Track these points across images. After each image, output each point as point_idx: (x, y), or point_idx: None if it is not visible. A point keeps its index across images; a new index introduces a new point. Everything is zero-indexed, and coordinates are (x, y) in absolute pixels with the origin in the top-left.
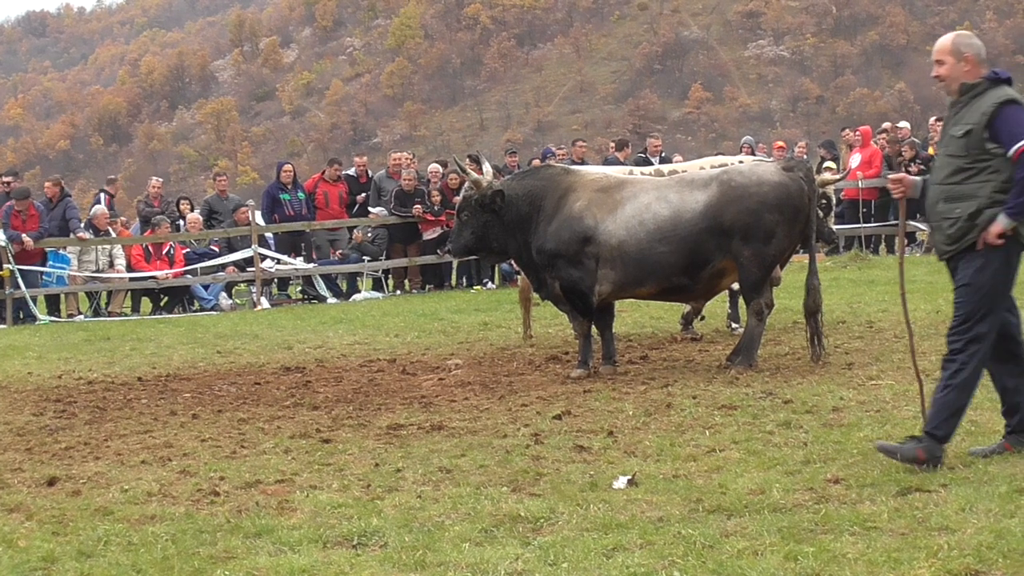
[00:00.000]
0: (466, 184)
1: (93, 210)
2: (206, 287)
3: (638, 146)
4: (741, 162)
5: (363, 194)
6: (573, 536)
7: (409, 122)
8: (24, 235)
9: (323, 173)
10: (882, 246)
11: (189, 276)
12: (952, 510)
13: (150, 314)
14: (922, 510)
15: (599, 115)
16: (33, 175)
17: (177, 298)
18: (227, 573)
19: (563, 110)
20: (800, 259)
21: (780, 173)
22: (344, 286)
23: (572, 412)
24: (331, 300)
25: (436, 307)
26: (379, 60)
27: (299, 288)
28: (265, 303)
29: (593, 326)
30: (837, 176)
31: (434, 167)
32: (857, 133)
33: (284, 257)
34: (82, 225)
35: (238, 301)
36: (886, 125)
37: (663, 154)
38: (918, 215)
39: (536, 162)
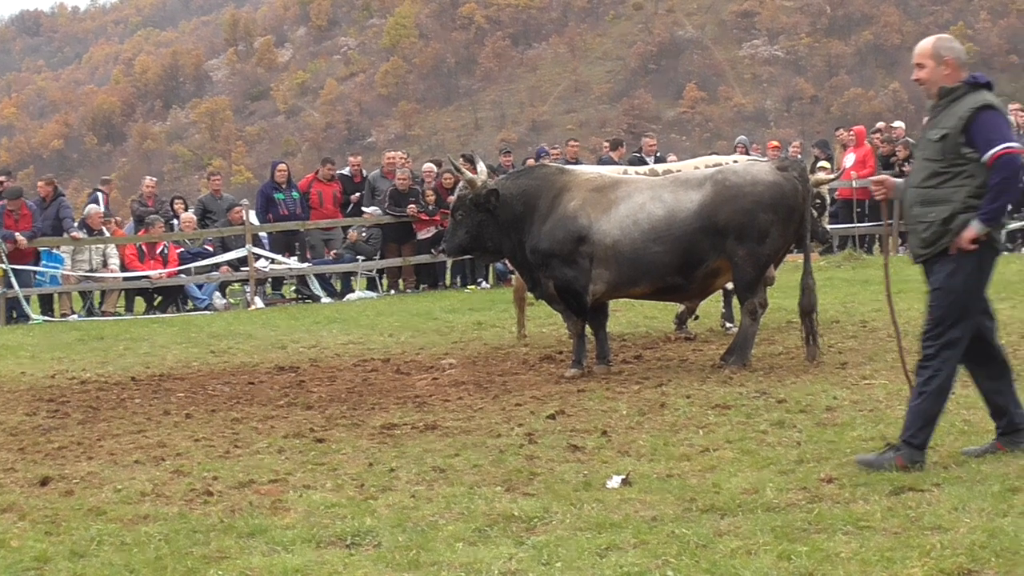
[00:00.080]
0: (461, 183)
1: (87, 209)
2: (200, 287)
3: (632, 146)
4: (735, 162)
5: (357, 194)
6: (567, 536)
7: (404, 121)
8: (18, 234)
9: (316, 173)
10: (876, 246)
11: (183, 276)
12: (945, 509)
13: (144, 314)
14: (915, 509)
15: (594, 115)
16: (27, 174)
17: (171, 298)
18: (220, 573)
19: (558, 110)
20: (794, 259)
21: (774, 173)
22: (338, 286)
23: (566, 411)
24: (325, 300)
25: (430, 307)
26: (374, 59)
27: (293, 288)
28: (259, 303)
29: (587, 326)
30: (831, 176)
31: (428, 167)
32: (851, 133)
33: (278, 257)
34: (76, 224)
35: (232, 301)
36: (880, 125)
37: (658, 154)
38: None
39: (531, 162)
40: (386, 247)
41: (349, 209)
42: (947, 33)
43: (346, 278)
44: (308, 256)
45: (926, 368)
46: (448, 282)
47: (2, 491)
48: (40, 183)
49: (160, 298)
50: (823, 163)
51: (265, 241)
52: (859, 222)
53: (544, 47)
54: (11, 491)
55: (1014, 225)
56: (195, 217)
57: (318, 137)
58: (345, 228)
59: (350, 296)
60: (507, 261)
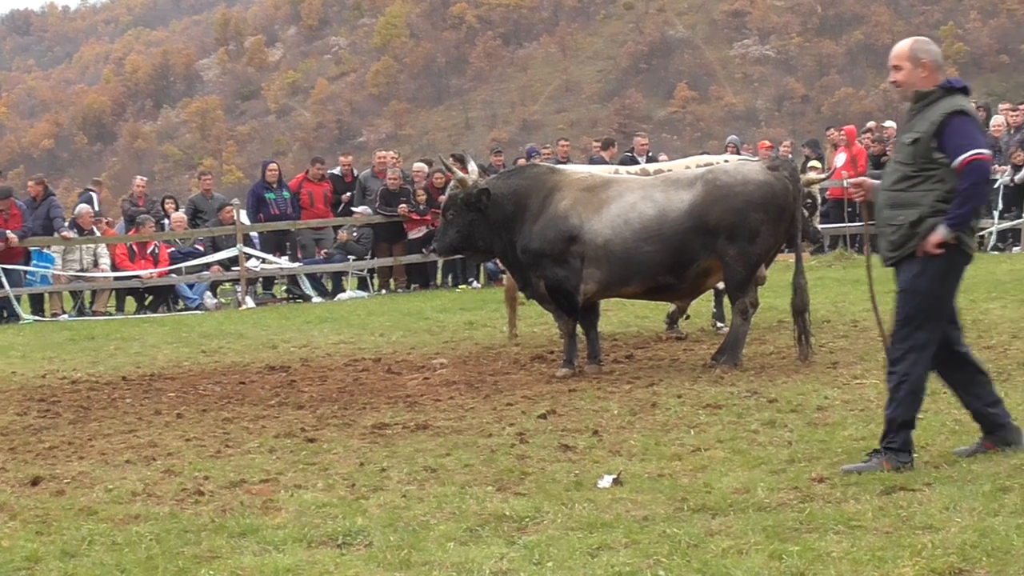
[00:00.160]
0: (452, 183)
1: (77, 209)
2: (191, 286)
3: (624, 145)
4: (726, 161)
5: (348, 193)
6: (558, 535)
7: (395, 121)
8: (8, 232)
9: (307, 172)
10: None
11: (174, 275)
12: (936, 509)
13: (135, 313)
14: (906, 509)
15: (585, 114)
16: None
17: (162, 297)
18: (212, 573)
19: (549, 109)
20: (785, 258)
21: (765, 172)
22: (329, 285)
23: (557, 411)
24: (316, 299)
25: (421, 306)
26: (364, 59)
27: (284, 287)
28: (250, 302)
29: (578, 325)
30: (822, 175)
31: (419, 166)
32: (842, 132)
33: (269, 256)
34: (66, 224)
35: (223, 300)
36: (871, 124)
37: (650, 153)
38: None
39: (522, 161)
40: (377, 247)
41: (340, 209)
42: (938, 33)
43: (337, 278)
44: (299, 256)
45: (893, 373)
46: (439, 281)
47: None
48: (30, 183)
49: (151, 298)
50: (814, 163)
51: (256, 241)
52: (850, 222)
53: (535, 47)
54: (2, 491)
55: (1003, 226)
56: (186, 217)
57: (309, 137)
58: (336, 228)
59: (341, 296)
60: (498, 261)
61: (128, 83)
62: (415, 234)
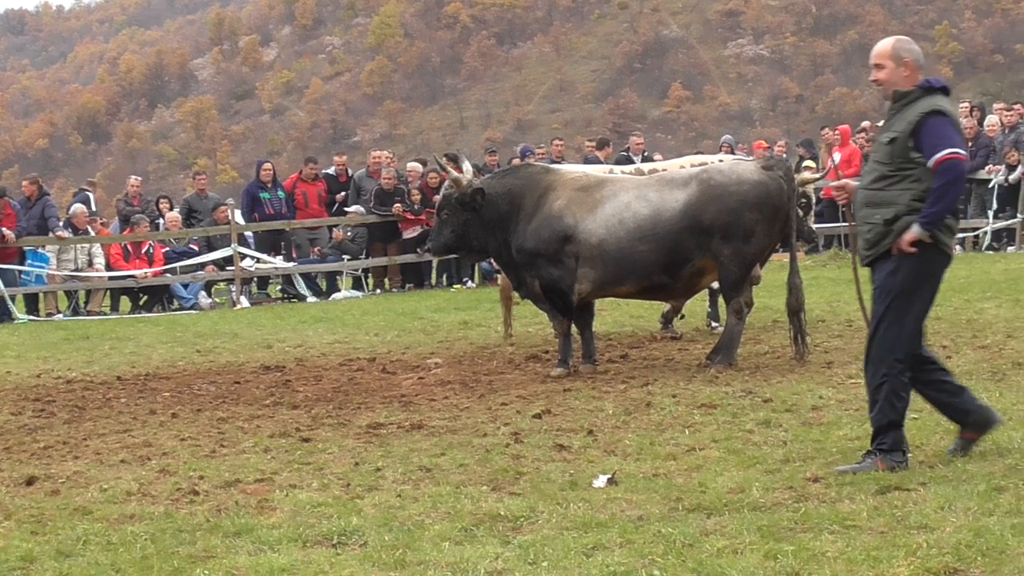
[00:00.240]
0: (446, 182)
1: (72, 209)
2: (185, 286)
3: (618, 145)
4: (721, 161)
5: (342, 193)
6: (553, 535)
7: (389, 121)
8: (4, 229)
9: (300, 173)
10: (853, 247)
11: (168, 275)
12: (931, 508)
13: (129, 313)
14: (901, 508)
15: (579, 114)
16: (11, 174)
17: (156, 297)
18: (206, 572)
19: (543, 109)
20: (780, 258)
21: (760, 172)
22: (324, 285)
23: (552, 411)
24: (311, 299)
25: (416, 306)
26: (359, 59)
27: (279, 287)
28: (245, 302)
29: (573, 325)
30: (816, 175)
31: (413, 166)
32: (836, 132)
33: (264, 256)
34: (61, 224)
35: (218, 300)
36: (865, 124)
37: (645, 153)
38: None
39: (516, 161)
40: (372, 246)
41: (334, 208)
42: (932, 32)
43: (332, 277)
44: (294, 255)
45: (874, 375)
46: (434, 281)
47: None
48: (25, 182)
49: (146, 297)
50: (808, 162)
51: (251, 240)
52: (845, 221)
53: (529, 46)
54: None
55: (998, 225)
56: (180, 216)
57: (303, 136)
58: (331, 227)
59: (336, 295)
60: (493, 260)
61: (122, 83)
62: (410, 234)
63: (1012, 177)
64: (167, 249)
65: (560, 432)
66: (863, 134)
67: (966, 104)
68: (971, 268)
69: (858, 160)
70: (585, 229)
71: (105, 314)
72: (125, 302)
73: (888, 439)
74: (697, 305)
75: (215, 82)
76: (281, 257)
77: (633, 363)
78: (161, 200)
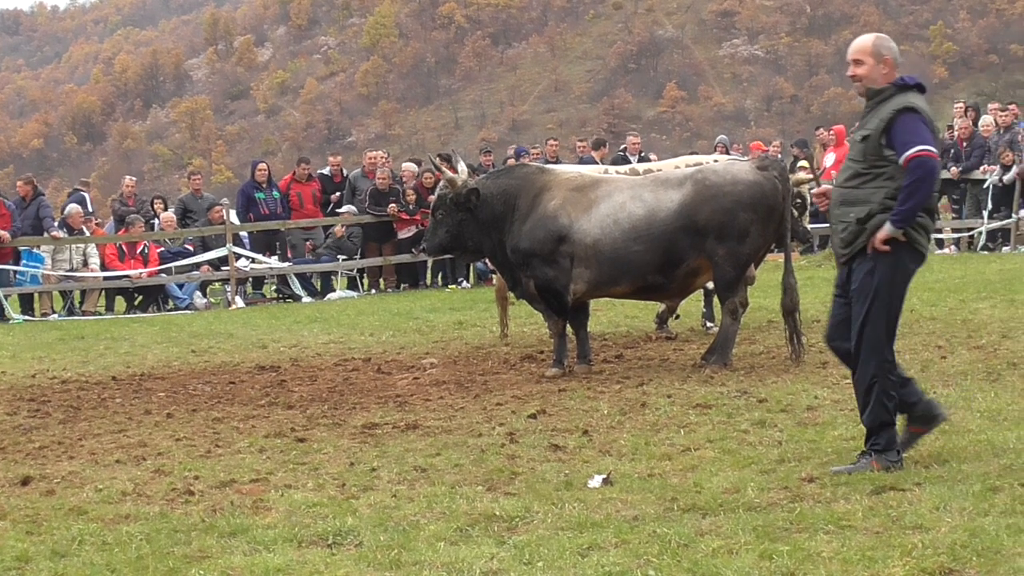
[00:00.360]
0: (441, 183)
1: (67, 209)
2: (180, 286)
3: (614, 146)
4: (716, 161)
5: (337, 193)
6: (548, 535)
7: (384, 121)
8: (1, 230)
9: (293, 173)
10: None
11: (163, 275)
12: (926, 508)
13: (124, 313)
14: (896, 509)
15: (574, 114)
16: (6, 174)
17: (151, 297)
18: (202, 572)
19: (538, 109)
20: (775, 258)
21: (754, 172)
22: (319, 285)
23: (547, 411)
24: (306, 299)
25: (411, 306)
26: (354, 59)
27: (274, 287)
28: (240, 302)
29: (568, 325)
30: (811, 175)
31: (408, 166)
32: (831, 132)
33: (259, 256)
34: (56, 224)
35: (212, 300)
36: None
37: (642, 153)
38: None
39: (511, 161)
40: (367, 246)
41: (329, 209)
42: (927, 32)
43: (327, 278)
44: (289, 256)
45: (863, 376)
46: (429, 281)
47: None
48: (19, 182)
49: (141, 297)
50: (803, 162)
51: (246, 241)
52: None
53: (524, 46)
54: None
55: (993, 225)
56: (175, 216)
57: (298, 136)
58: (326, 227)
59: (331, 296)
60: (488, 260)
61: (117, 83)
62: (405, 234)
63: (1007, 177)
64: (162, 249)
65: (555, 432)
66: None
67: (961, 104)
68: (966, 268)
69: None
70: (580, 229)
71: (100, 314)
72: (120, 302)
73: (882, 439)
74: (692, 305)
75: (210, 82)
76: (276, 257)
77: (628, 363)
78: (156, 200)
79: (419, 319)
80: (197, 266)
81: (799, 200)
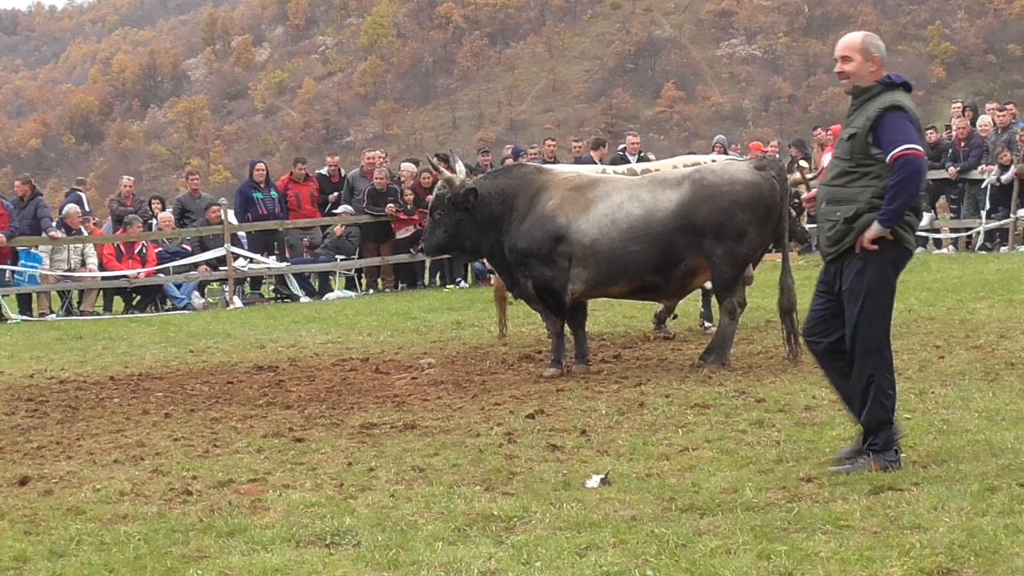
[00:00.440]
0: (439, 183)
1: (65, 209)
2: (178, 286)
3: (612, 145)
4: (713, 161)
5: (335, 193)
6: (546, 535)
7: (382, 121)
8: None
9: (291, 174)
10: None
11: (161, 275)
12: (924, 508)
13: (122, 313)
14: (894, 508)
15: (572, 114)
16: (4, 174)
17: (149, 297)
18: (200, 572)
19: (536, 109)
20: (773, 258)
21: (752, 172)
22: (317, 285)
23: (545, 411)
24: (304, 299)
25: (409, 306)
26: (351, 59)
27: (272, 287)
28: (238, 302)
29: (566, 325)
30: (809, 175)
31: (406, 166)
32: (829, 132)
33: (257, 256)
34: (54, 224)
35: (210, 300)
36: None
37: (641, 152)
38: None
39: (508, 161)
40: (365, 246)
41: (327, 208)
42: (925, 32)
43: (325, 278)
44: (287, 256)
45: (859, 376)
46: (427, 281)
47: None
48: (17, 182)
49: (139, 297)
50: (801, 162)
51: (244, 240)
52: None
53: (522, 46)
54: None
55: (991, 225)
56: (173, 216)
57: (296, 136)
58: (324, 227)
59: (329, 296)
60: (486, 260)
61: (115, 83)
62: (403, 234)
63: (1005, 177)
64: (160, 249)
65: (553, 432)
66: None
67: (959, 104)
68: (964, 268)
69: None
70: (578, 229)
71: (98, 314)
72: (118, 302)
73: (880, 439)
74: (690, 305)
75: (208, 82)
76: (274, 257)
77: (626, 363)
78: (154, 200)
79: (417, 319)
80: (195, 266)
81: (797, 200)
